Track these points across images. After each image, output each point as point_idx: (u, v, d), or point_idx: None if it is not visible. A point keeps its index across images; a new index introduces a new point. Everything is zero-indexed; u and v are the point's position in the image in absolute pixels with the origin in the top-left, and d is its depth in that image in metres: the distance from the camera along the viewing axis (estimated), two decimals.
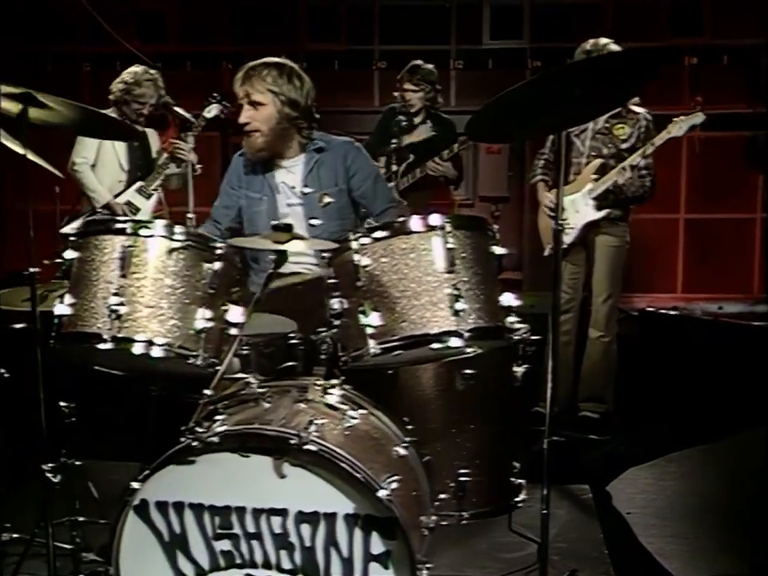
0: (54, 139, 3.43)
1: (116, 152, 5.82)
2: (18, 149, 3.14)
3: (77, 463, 3.33)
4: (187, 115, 5.53)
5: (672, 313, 7.88)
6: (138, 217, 5.69)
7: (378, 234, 2.77)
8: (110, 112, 5.71)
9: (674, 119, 5.09)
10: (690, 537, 3.99)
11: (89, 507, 3.48)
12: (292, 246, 2.60)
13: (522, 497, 3.27)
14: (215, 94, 5.75)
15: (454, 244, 2.75)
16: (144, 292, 2.67)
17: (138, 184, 5.85)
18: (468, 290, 2.74)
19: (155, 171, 5.84)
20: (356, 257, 2.76)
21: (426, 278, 2.72)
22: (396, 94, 6.58)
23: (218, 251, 2.77)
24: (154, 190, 5.85)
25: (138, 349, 2.64)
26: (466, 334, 2.70)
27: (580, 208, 5.23)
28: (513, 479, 3.24)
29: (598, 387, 5.49)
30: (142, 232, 2.70)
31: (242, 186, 3.92)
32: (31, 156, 3.24)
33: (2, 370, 3.51)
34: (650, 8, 8.58)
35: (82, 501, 3.44)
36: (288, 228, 2.59)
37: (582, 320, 5.54)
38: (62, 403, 3.31)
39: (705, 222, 8.65)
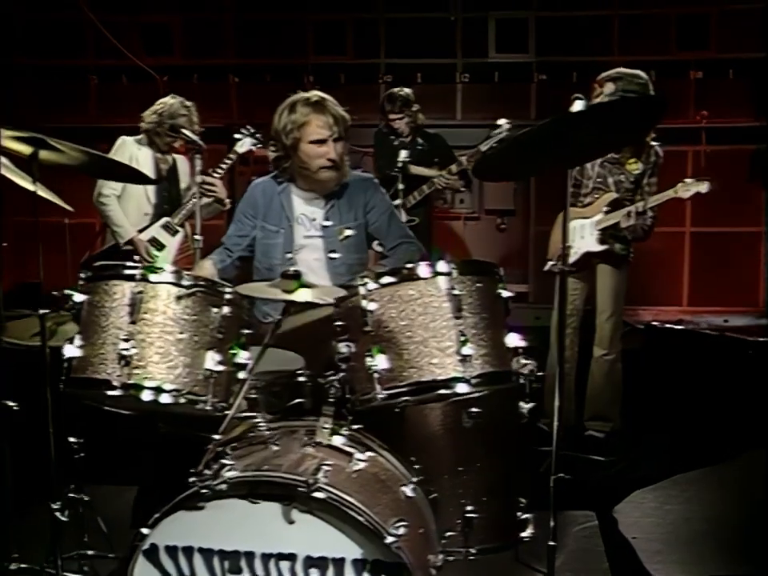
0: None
1: (139, 195, 5.53)
2: (29, 186, 3.16)
3: (85, 498, 3.34)
4: (195, 138, 5.39)
5: (677, 327, 7.87)
6: (163, 254, 5.54)
7: (386, 279, 2.80)
8: (139, 139, 5.60)
9: (684, 180, 5.12)
10: (696, 563, 3.99)
11: (97, 540, 3.49)
12: (300, 296, 2.61)
13: (528, 532, 3.27)
14: (248, 126, 5.59)
15: (460, 290, 2.77)
16: (153, 338, 2.70)
17: (164, 220, 5.61)
18: (475, 335, 2.77)
19: (182, 207, 5.61)
20: (363, 302, 2.79)
21: (433, 324, 2.75)
22: (381, 124, 6.87)
23: (226, 296, 2.80)
24: (180, 226, 5.62)
25: (147, 395, 2.67)
26: (474, 380, 2.72)
27: (585, 235, 5.27)
28: (519, 514, 3.25)
29: (603, 406, 5.51)
30: (152, 278, 2.74)
31: (258, 216, 3.91)
32: (42, 192, 3.26)
33: (12, 403, 3.51)
34: (656, 22, 8.62)
35: (90, 534, 3.45)
36: (297, 276, 2.60)
37: (588, 338, 5.56)
38: (71, 438, 3.32)
39: (710, 235, 8.67)
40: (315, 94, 3.81)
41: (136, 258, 5.40)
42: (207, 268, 3.89)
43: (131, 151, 5.55)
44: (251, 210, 3.94)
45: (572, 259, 5.21)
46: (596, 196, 5.30)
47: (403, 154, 6.42)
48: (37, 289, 3.22)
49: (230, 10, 9.03)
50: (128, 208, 5.54)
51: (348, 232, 3.79)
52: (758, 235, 8.44)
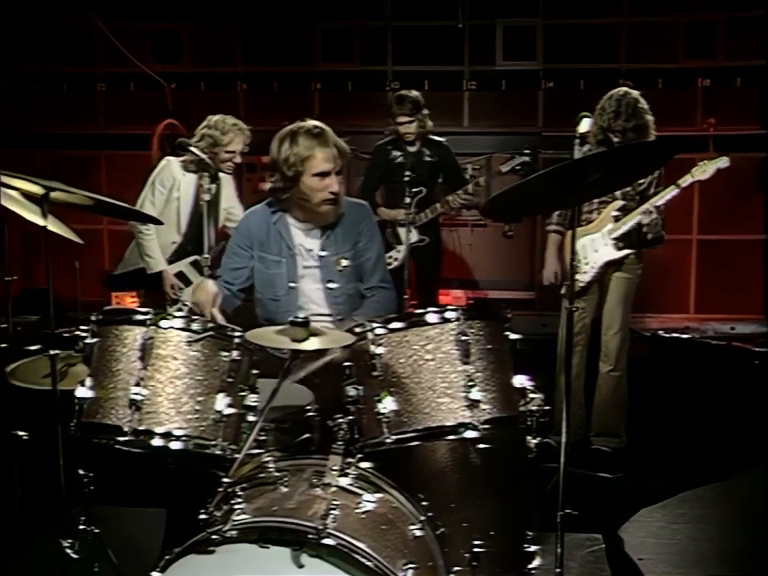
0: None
1: (178, 212, 5.46)
2: (39, 221, 3.18)
3: (95, 531, 3.35)
4: (203, 156, 5.36)
5: (683, 337, 7.88)
6: (189, 290, 5.41)
7: (394, 325, 2.83)
8: (185, 162, 5.45)
9: (699, 163, 5.14)
10: None
11: (107, 570, 3.50)
12: (310, 345, 2.62)
13: (535, 563, 3.29)
14: None
15: (468, 335, 2.80)
16: (164, 383, 2.73)
17: (193, 257, 5.52)
18: (483, 380, 2.80)
19: (214, 248, 5.28)
20: (372, 347, 2.82)
21: (441, 370, 2.78)
22: (388, 129, 6.59)
23: (236, 340, 2.82)
24: (209, 266, 5.25)
25: (157, 441, 2.70)
26: (481, 426, 2.75)
27: (599, 248, 5.27)
28: (526, 546, 3.27)
29: (610, 421, 5.52)
30: (162, 324, 2.76)
31: (255, 246, 3.87)
32: (52, 227, 3.29)
33: (22, 433, 3.54)
34: (663, 30, 8.60)
35: (100, 564, 3.45)
36: (306, 323, 2.61)
37: (594, 352, 5.57)
38: (80, 471, 3.33)
39: (717, 243, 8.66)
40: (315, 124, 3.76)
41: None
42: (210, 288, 3.64)
43: (175, 175, 5.46)
44: (246, 241, 3.90)
45: (591, 274, 5.29)
46: (602, 208, 5.31)
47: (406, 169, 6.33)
48: (44, 295, 3.24)
49: (238, 17, 9.02)
50: (157, 234, 5.43)
51: (345, 262, 3.80)
52: (764, 243, 8.41)
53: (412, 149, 6.55)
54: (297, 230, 3.87)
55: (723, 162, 5.16)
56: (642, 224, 5.18)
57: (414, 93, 6.52)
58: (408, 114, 6.41)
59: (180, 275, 5.53)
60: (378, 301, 3.85)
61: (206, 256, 5.02)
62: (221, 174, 5.51)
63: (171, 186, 5.43)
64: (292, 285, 3.79)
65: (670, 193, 5.14)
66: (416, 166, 6.42)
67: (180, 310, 5.40)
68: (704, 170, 5.15)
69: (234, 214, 5.63)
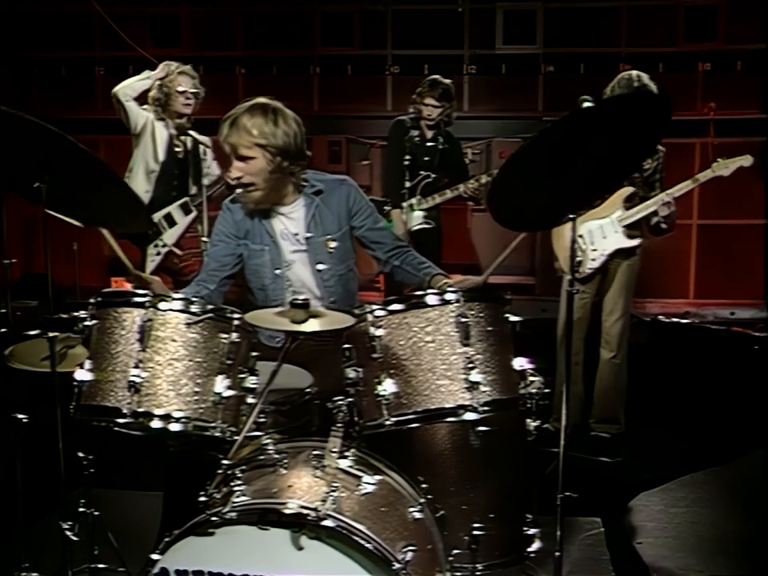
0: None
1: (147, 162, 5.65)
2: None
3: (95, 513, 3.35)
4: (202, 138, 5.36)
5: (683, 322, 7.87)
6: (173, 231, 5.70)
7: (394, 306, 2.82)
8: (157, 109, 5.64)
9: (720, 159, 5.16)
10: (701, 569, 4.00)
11: (108, 552, 3.51)
12: (309, 326, 2.61)
13: (535, 546, 3.29)
14: None
15: (468, 317, 2.79)
16: (163, 365, 2.72)
17: (184, 199, 5.70)
18: (482, 363, 2.79)
19: (201, 191, 5.55)
20: (371, 329, 2.81)
21: (441, 352, 2.78)
22: (412, 108, 6.48)
23: (235, 322, 2.81)
24: (195, 206, 5.69)
25: (156, 423, 2.70)
26: (481, 408, 2.75)
27: (608, 234, 5.23)
28: (526, 529, 3.27)
29: (610, 408, 5.52)
30: (161, 306, 2.75)
31: (240, 235, 3.76)
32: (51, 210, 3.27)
33: (21, 416, 3.53)
34: (664, 13, 8.60)
35: (100, 547, 3.46)
36: (305, 305, 2.61)
37: (594, 337, 5.56)
38: (80, 454, 3.33)
39: (717, 228, 8.68)
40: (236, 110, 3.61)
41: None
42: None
43: (146, 118, 5.68)
44: (232, 230, 3.76)
45: (600, 261, 5.26)
46: (605, 195, 5.27)
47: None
48: (44, 280, 3.23)
49: (237, 1, 9.03)
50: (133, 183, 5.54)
51: (333, 244, 3.71)
52: (764, 227, 8.41)
53: (429, 133, 6.51)
54: (277, 215, 3.75)
55: (747, 160, 5.17)
56: (660, 215, 5.15)
57: (447, 81, 6.45)
58: (437, 100, 6.35)
59: (167, 216, 5.69)
60: (410, 265, 3.80)
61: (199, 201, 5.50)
62: (202, 138, 5.68)
63: (143, 127, 5.66)
64: (278, 272, 3.71)
65: (689, 186, 5.13)
66: (430, 151, 6.44)
67: (159, 252, 5.67)
68: (726, 167, 5.13)
69: (211, 168, 5.84)
